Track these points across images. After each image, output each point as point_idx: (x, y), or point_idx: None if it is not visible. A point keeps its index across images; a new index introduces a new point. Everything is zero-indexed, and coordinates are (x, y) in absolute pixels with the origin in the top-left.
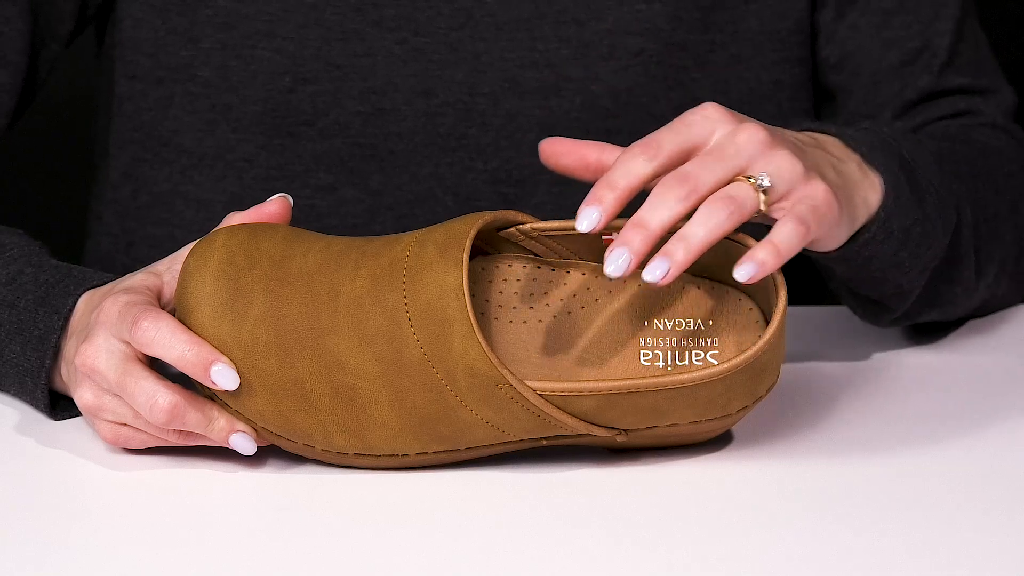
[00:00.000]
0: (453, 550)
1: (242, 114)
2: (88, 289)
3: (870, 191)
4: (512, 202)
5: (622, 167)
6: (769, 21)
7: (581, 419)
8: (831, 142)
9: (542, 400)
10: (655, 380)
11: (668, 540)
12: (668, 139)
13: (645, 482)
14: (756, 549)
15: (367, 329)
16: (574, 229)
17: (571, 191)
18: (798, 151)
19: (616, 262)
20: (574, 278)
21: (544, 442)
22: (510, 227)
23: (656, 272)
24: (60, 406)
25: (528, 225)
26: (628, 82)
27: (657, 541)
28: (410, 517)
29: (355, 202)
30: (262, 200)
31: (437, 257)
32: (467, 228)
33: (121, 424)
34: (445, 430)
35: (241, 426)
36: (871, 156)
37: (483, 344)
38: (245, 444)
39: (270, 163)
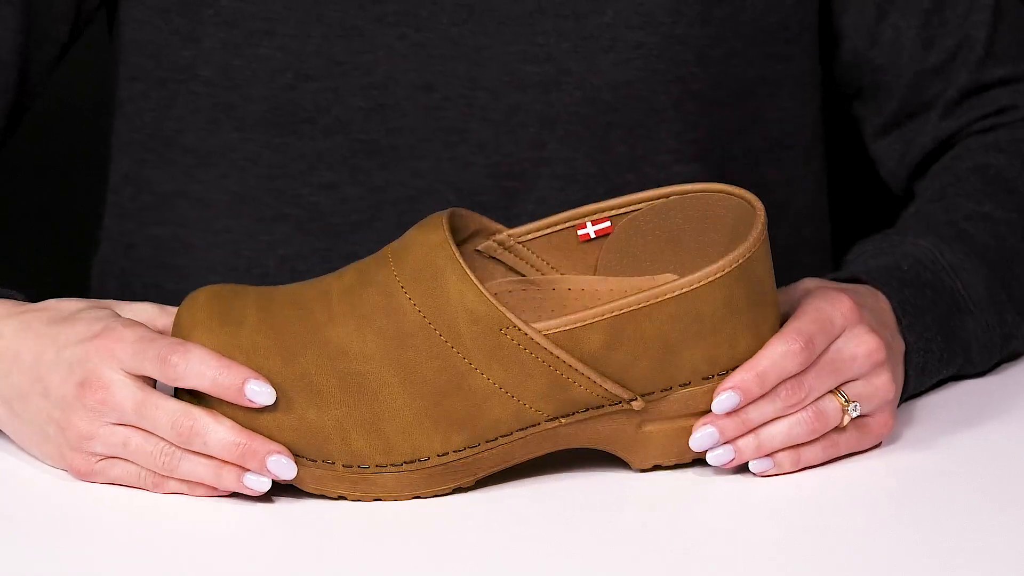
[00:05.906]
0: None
1: (244, 113)
2: None
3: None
4: (513, 196)
5: (777, 365)
6: (763, 16)
7: (593, 368)
8: (884, 306)
9: (548, 341)
10: (655, 291)
11: (670, 544)
12: (821, 341)
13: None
14: (755, 551)
15: (363, 308)
16: (548, 229)
17: (572, 185)
18: (895, 367)
19: (719, 459)
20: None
21: (562, 421)
22: (482, 237)
23: (722, 458)
24: None
25: (504, 234)
26: (628, 76)
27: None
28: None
29: (358, 199)
30: (264, 198)
31: (417, 234)
32: (438, 216)
33: (107, 458)
34: (460, 406)
35: (278, 447)
36: (906, 325)
37: (477, 284)
38: (284, 467)
39: (272, 161)
